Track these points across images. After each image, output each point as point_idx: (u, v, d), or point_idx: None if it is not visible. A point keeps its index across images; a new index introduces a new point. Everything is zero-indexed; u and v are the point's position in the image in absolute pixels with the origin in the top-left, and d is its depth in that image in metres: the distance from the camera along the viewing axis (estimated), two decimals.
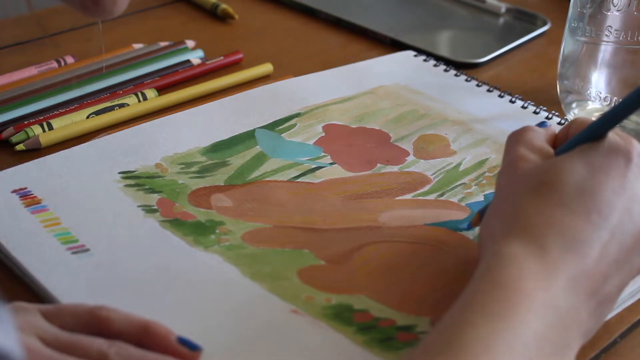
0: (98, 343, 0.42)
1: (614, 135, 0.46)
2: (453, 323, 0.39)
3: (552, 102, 0.69)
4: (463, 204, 0.57)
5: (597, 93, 0.65)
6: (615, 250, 0.42)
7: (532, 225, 0.42)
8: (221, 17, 0.84)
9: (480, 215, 0.52)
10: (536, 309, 0.39)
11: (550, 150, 0.48)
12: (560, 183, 0.44)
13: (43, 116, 0.64)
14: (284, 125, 0.64)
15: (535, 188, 0.44)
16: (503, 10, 0.87)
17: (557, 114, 0.67)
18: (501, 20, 0.87)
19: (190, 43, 0.76)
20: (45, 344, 0.41)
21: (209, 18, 0.84)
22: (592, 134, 0.46)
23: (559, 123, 0.65)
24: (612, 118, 0.45)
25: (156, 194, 0.55)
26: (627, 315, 0.50)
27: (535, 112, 0.67)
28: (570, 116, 0.67)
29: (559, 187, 0.43)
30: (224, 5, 0.83)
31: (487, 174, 0.60)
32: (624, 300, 0.50)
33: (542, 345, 0.39)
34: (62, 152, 0.59)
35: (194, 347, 0.43)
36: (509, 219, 0.44)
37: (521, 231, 0.42)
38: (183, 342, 0.43)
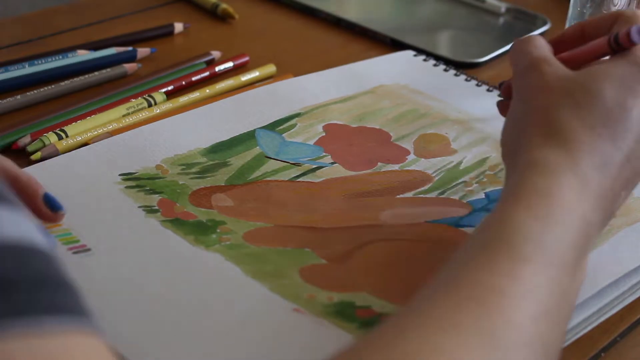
0: None
1: None
2: (501, 220, 0.40)
3: None
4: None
5: None
6: (628, 173, 0.44)
7: (568, 140, 0.43)
8: (221, 17, 0.84)
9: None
10: (573, 218, 0.40)
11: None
12: (595, 102, 0.43)
13: (56, 122, 0.63)
14: (284, 125, 0.64)
15: (572, 103, 0.44)
16: (503, 10, 0.87)
17: None
18: (501, 20, 0.87)
19: (216, 54, 0.75)
20: None
21: (209, 18, 0.84)
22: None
23: None
24: None
25: (157, 195, 0.55)
26: (627, 314, 0.50)
27: None
28: None
29: (593, 105, 0.43)
30: (224, 5, 0.83)
31: (488, 172, 0.60)
32: (624, 299, 0.50)
33: (571, 252, 0.40)
34: (63, 155, 0.59)
35: (56, 208, 0.42)
36: (544, 127, 0.44)
37: (559, 142, 0.43)
38: (47, 199, 0.42)
